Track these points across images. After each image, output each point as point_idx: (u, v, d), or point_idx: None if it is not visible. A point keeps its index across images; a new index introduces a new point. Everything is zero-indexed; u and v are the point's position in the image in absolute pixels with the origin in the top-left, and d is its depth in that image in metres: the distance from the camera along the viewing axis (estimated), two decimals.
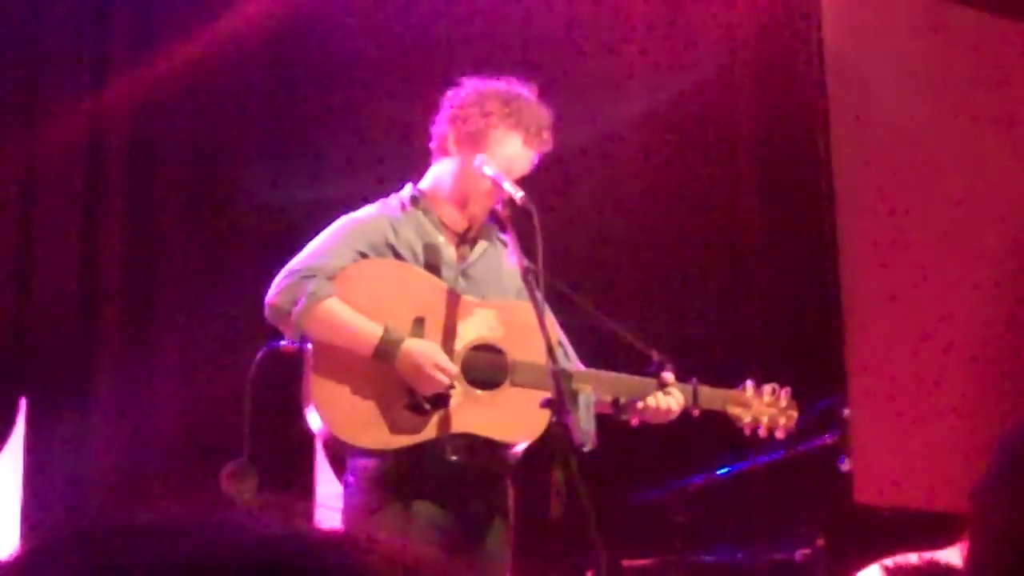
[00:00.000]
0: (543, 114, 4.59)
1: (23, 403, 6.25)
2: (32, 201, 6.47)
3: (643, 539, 6.37)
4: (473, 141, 4.52)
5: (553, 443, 4.07)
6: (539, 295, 4.24)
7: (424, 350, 4.27)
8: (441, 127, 4.61)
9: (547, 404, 4.28)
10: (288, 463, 6.05)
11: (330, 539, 1.10)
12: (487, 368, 4.38)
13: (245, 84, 6.84)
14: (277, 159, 6.77)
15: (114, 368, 6.43)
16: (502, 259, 4.60)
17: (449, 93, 4.63)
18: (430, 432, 4.30)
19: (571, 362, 4.54)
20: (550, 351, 4.23)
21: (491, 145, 4.50)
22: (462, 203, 4.53)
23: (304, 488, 6.32)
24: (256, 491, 4.00)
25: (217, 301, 6.23)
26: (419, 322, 4.34)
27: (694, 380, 4.57)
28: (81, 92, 6.55)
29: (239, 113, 6.80)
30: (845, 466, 6.57)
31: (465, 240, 4.57)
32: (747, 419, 4.65)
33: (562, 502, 4.04)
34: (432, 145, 4.64)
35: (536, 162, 4.61)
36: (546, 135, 4.59)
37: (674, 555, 6.18)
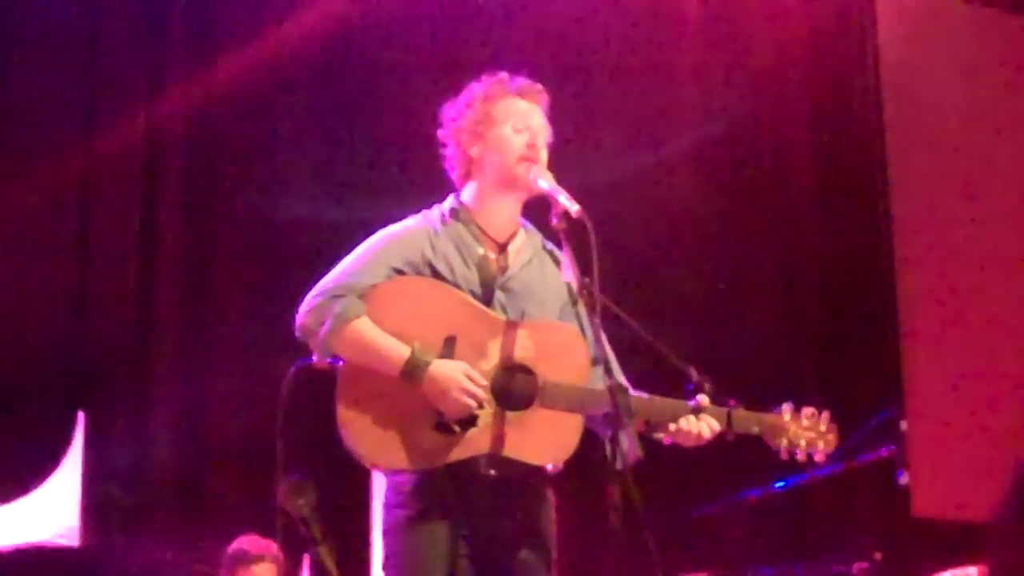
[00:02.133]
0: (521, 77, 4.63)
1: (81, 417, 6.30)
2: (90, 220, 6.52)
3: (701, 552, 6.36)
4: (483, 126, 4.52)
5: (609, 458, 4.04)
6: (595, 312, 4.21)
7: (451, 373, 4.21)
8: (453, 148, 4.60)
9: (604, 418, 4.26)
10: (346, 477, 6.06)
11: None
12: (517, 389, 4.33)
13: (298, 100, 6.87)
14: (330, 175, 6.79)
15: (170, 382, 6.47)
16: (547, 272, 4.57)
17: (439, 132, 4.65)
18: (458, 454, 4.26)
19: (617, 380, 4.50)
20: (606, 365, 4.21)
21: (500, 118, 4.50)
22: (510, 180, 4.50)
23: (361, 502, 6.34)
24: (314, 506, 3.99)
25: (272, 315, 6.25)
26: (450, 341, 4.29)
27: (731, 402, 4.52)
28: (136, 114, 6.60)
29: (292, 130, 6.84)
30: (903, 479, 6.54)
31: (505, 250, 4.54)
32: (784, 443, 4.59)
33: (620, 516, 4.02)
34: (457, 174, 4.62)
35: (549, 125, 4.59)
36: (538, 87, 4.60)
37: (732, 569, 6.16)
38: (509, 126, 4.47)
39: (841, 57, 7.86)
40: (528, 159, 4.44)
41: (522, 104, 4.53)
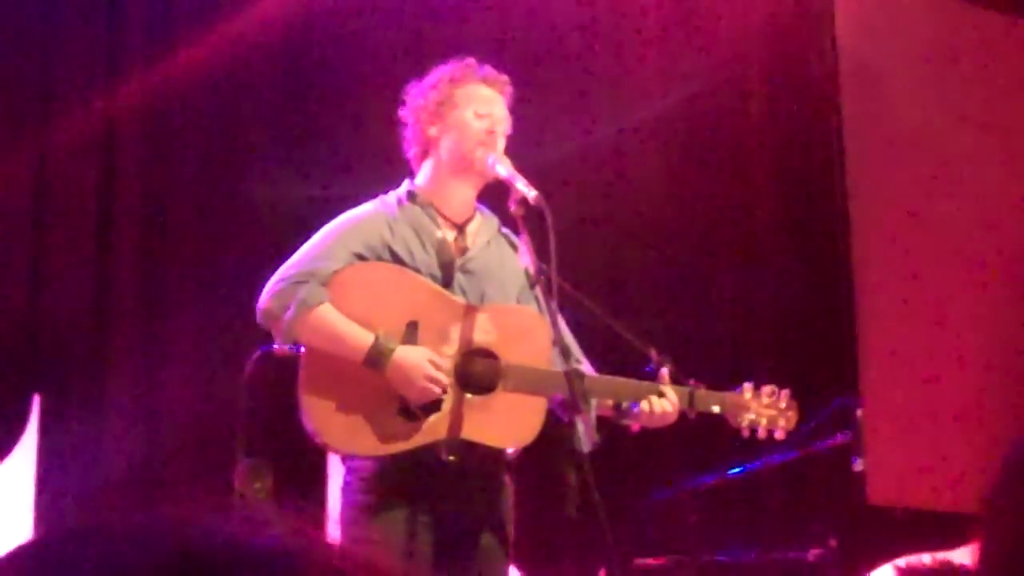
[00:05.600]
0: (487, 66, 4.67)
1: (36, 401, 6.27)
2: (46, 201, 6.48)
3: (656, 538, 6.37)
4: (445, 107, 4.56)
5: (566, 443, 4.07)
6: (552, 297, 4.23)
7: (415, 360, 4.23)
8: (413, 126, 4.63)
9: (561, 404, 4.28)
10: (302, 461, 6.06)
11: (280, 549, 1.10)
12: (480, 373, 4.36)
13: (257, 84, 6.85)
14: (290, 159, 6.78)
15: (127, 366, 6.44)
16: (504, 255, 4.59)
17: (401, 111, 4.67)
18: (421, 438, 4.28)
19: (578, 363, 4.52)
20: (563, 351, 4.23)
21: (463, 101, 4.55)
22: (466, 164, 4.53)
23: (316, 486, 6.33)
24: (271, 490, 4.00)
25: (231, 300, 6.24)
26: (412, 326, 4.32)
27: (691, 382, 4.55)
28: (94, 93, 6.57)
29: (252, 113, 6.82)
30: (858, 466, 6.58)
31: (464, 231, 4.56)
32: (745, 421, 4.63)
33: (576, 501, 4.04)
34: (413, 152, 4.65)
35: (510, 116, 4.63)
36: (504, 78, 4.64)
37: (687, 554, 6.18)
38: (471, 111, 4.52)
39: (800, 43, 7.87)
40: (484, 142, 4.47)
41: (486, 91, 4.58)
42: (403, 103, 4.68)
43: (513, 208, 4.36)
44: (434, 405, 4.27)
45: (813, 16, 7.81)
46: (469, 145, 4.50)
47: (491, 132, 4.51)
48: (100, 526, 1.14)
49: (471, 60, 4.67)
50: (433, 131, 4.57)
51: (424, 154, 4.62)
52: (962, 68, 7.80)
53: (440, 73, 4.64)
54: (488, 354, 4.36)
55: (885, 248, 7.47)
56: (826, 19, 7.68)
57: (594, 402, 4.38)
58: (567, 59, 7.42)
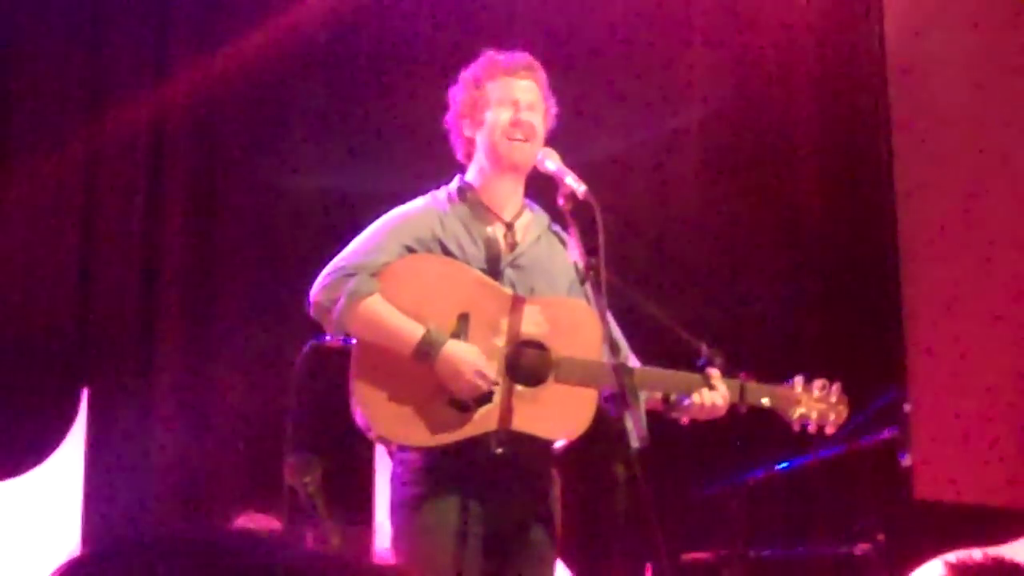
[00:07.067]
0: (509, 56, 4.68)
1: (85, 394, 6.30)
2: (95, 196, 6.53)
3: (703, 533, 6.36)
4: (474, 108, 4.58)
5: (615, 437, 4.06)
6: (601, 291, 4.23)
7: (464, 355, 4.24)
8: (454, 129, 4.67)
9: (610, 399, 4.28)
10: (351, 455, 6.07)
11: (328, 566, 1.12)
12: (531, 364, 4.36)
13: (303, 80, 6.87)
14: (337, 155, 6.79)
15: (175, 359, 6.48)
16: (555, 251, 4.60)
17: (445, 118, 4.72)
18: (472, 429, 4.29)
19: (626, 359, 4.52)
20: (611, 346, 4.23)
21: (488, 98, 4.57)
22: (497, 157, 4.55)
23: (364, 479, 6.34)
24: (320, 483, 4.01)
25: (279, 294, 6.27)
26: (464, 318, 4.33)
27: (742, 375, 4.54)
28: (143, 88, 6.60)
29: (298, 110, 6.84)
30: (906, 461, 6.55)
31: (512, 227, 4.57)
32: (796, 415, 4.61)
33: (624, 495, 4.04)
34: (461, 154, 4.68)
35: (548, 96, 4.64)
36: (528, 62, 4.66)
37: (734, 549, 6.16)
38: (495, 105, 4.53)
39: (848, 40, 7.84)
40: (509, 134, 4.49)
41: (510, 81, 4.58)
42: (446, 109, 4.72)
43: (562, 203, 4.37)
44: (485, 396, 4.28)
45: (860, 13, 7.78)
46: (496, 137, 4.53)
47: (516, 122, 4.53)
48: (153, 541, 1.15)
49: (491, 53, 4.68)
50: (469, 132, 4.61)
51: (468, 156, 4.65)
52: (1012, 63, 7.76)
53: (465, 75, 4.67)
54: (538, 346, 4.36)
55: (933, 242, 7.44)
56: (874, 16, 7.65)
57: (643, 396, 4.38)
58: (613, 58, 7.41)
